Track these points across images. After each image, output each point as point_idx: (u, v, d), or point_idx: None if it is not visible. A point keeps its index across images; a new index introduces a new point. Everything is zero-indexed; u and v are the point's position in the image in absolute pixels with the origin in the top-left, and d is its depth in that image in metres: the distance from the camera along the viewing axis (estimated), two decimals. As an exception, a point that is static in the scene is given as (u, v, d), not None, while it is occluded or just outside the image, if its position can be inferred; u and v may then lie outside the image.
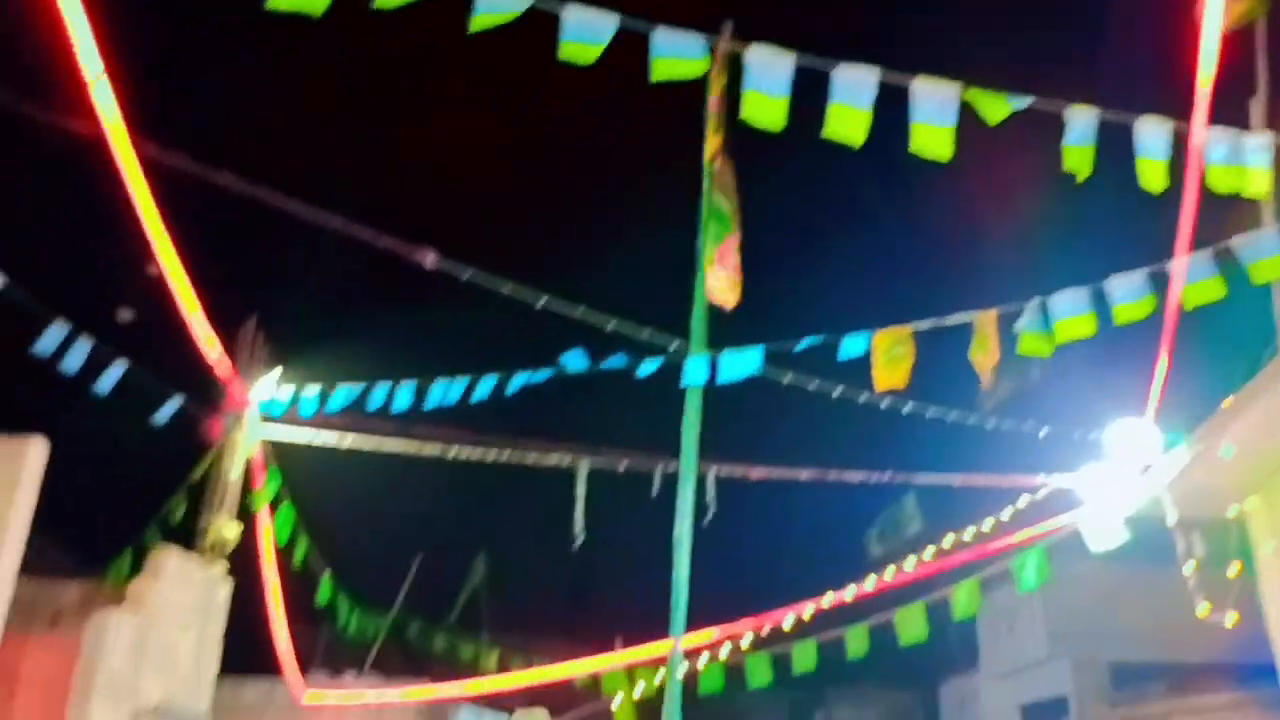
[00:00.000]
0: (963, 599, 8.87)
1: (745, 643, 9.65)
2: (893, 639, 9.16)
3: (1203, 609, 7.44)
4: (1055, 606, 16.35)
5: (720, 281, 5.75)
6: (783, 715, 24.60)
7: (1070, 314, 5.23)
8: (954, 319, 5.37)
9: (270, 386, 8.76)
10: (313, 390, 7.75)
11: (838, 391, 7.42)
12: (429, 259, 7.10)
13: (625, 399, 8.77)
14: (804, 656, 9.11)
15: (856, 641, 8.94)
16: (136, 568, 7.71)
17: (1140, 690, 15.29)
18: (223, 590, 8.37)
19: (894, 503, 18.23)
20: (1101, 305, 5.24)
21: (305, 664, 10.87)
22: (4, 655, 6.62)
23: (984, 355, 5.30)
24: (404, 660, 12.84)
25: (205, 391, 8.53)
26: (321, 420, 9.24)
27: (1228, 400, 6.87)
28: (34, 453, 6.08)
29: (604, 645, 10.87)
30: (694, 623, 9.76)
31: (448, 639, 13.41)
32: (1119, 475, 8.13)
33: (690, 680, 9.57)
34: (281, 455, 9.66)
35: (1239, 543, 7.89)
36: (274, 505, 9.62)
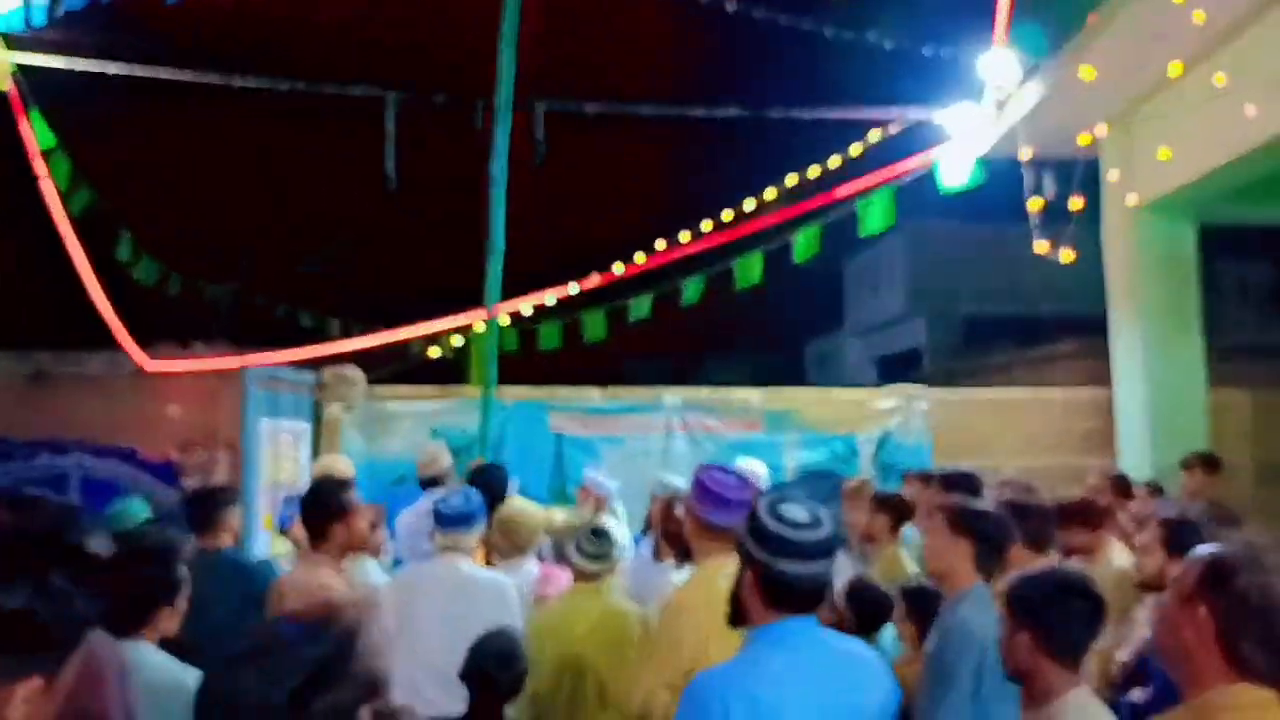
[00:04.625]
0: (803, 243, 8.54)
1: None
2: (763, 305, 8.90)
3: (1041, 247, 7.19)
4: (915, 267, 16.66)
5: None
6: (666, 377, 25.77)
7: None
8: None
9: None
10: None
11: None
12: None
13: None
14: (638, 308, 8.77)
15: (692, 290, 8.61)
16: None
17: (987, 344, 15.98)
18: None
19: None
20: None
21: (154, 338, 10.26)
22: None
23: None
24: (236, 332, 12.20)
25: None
26: (84, 46, 7.90)
27: (1091, 16, 6.20)
28: None
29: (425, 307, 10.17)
30: (529, 275, 9.31)
31: (289, 311, 12.77)
32: (977, 109, 7.59)
33: (530, 336, 9.23)
34: (52, 98, 8.33)
35: (1084, 180, 7.56)
36: (47, 157, 8.41)
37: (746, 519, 2.63)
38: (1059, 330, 13.95)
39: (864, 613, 4.01)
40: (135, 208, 9.68)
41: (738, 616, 2.65)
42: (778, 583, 2.48)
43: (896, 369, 17.83)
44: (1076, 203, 7.10)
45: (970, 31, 7.50)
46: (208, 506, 4.30)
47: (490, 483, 5.00)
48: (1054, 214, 7.51)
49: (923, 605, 3.63)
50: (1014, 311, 15.84)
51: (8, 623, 1.31)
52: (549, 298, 8.27)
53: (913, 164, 8.27)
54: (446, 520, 4.26)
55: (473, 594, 4.16)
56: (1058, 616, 2.66)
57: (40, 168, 8.34)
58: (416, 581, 4.25)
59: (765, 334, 23.85)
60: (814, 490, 7.91)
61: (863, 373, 19.42)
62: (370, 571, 4.52)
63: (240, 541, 4.80)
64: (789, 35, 7.85)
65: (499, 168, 6.66)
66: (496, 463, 5.78)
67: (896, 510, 5.35)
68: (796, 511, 2.55)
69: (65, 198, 8.53)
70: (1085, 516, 4.79)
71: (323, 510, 3.91)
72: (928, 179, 8.41)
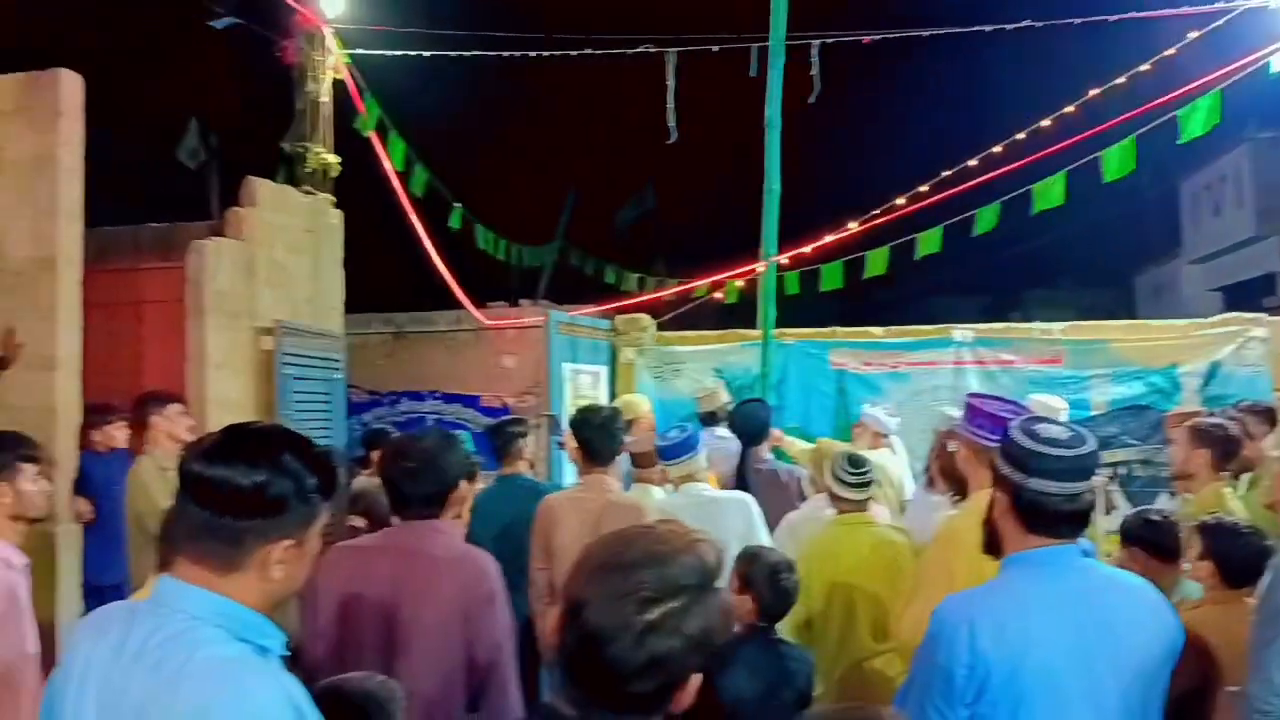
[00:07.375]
0: (1115, 160, 7.74)
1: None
2: (1088, 235, 8.19)
3: None
4: (1264, 183, 14.47)
5: None
6: (977, 317, 24.48)
7: None
8: None
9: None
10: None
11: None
12: None
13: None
14: (928, 243, 8.36)
15: (985, 220, 8.07)
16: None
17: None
18: (332, 217, 8.48)
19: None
20: None
21: (489, 298, 11.43)
22: (128, 287, 7.14)
23: None
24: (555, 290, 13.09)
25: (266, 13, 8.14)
26: (404, 35, 8.77)
27: None
28: (67, 87, 5.87)
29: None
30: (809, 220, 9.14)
31: (596, 267, 13.49)
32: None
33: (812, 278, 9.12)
34: (380, 82, 9.31)
35: None
36: (383, 136, 9.38)
37: (1000, 439, 2.51)
38: None
39: (1153, 549, 3.67)
40: (465, 181, 10.62)
41: (993, 544, 2.53)
42: (1031, 504, 2.33)
43: (1244, 297, 15.77)
44: None
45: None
46: (504, 437, 4.78)
47: (745, 419, 5.11)
48: None
49: (1221, 542, 3.26)
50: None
51: (253, 493, 1.58)
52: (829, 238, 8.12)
53: (1245, 61, 7.23)
54: (666, 454, 4.44)
55: (717, 511, 4.32)
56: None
57: (380, 152, 9.34)
58: (665, 507, 4.42)
59: (1090, 267, 21.84)
60: (1127, 426, 7.33)
61: (1204, 303, 17.32)
62: (655, 498, 4.75)
63: (535, 467, 5.28)
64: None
65: (773, 110, 6.65)
66: (758, 399, 5.85)
67: (1217, 444, 4.68)
68: (1053, 430, 2.40)
69: (404, 177, 9.50)
70: None
71: (596, 436, 4.18)
72: (1266, 79, 7.33)
